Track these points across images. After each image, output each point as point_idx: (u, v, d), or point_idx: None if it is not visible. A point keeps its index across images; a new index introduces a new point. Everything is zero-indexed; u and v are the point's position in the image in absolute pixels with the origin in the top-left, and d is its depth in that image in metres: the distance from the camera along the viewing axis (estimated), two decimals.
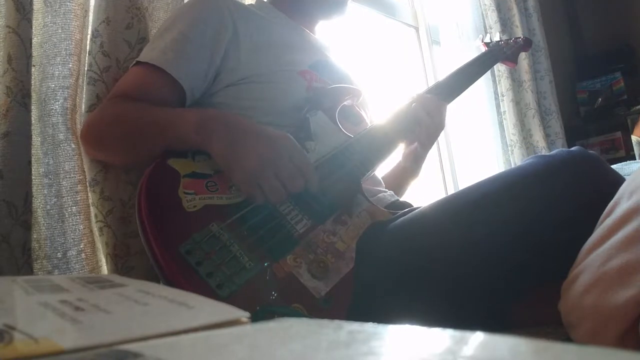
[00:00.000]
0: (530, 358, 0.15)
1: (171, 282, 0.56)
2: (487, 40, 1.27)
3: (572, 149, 0.68)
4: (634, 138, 2.51)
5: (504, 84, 2.00)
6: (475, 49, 1.32)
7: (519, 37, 1.28)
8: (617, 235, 0.53)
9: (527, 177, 0.66)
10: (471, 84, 1.07)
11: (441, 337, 0.17)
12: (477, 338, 0.16)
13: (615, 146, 2.61)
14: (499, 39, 1.26)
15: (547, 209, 0.63)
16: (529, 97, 2.06)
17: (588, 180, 0.63)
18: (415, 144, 0.93)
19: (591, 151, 0.67)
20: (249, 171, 0.63)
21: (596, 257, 0.54)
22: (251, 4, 0.97)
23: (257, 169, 0.63)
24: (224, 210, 0.64)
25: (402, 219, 0.72)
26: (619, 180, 0.64)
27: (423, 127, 0.90)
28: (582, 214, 0.61)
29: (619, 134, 2.61)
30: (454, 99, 1.01)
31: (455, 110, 1.82)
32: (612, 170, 0.66)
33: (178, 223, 0.60)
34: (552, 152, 0.69)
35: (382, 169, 1.03)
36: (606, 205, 0.58)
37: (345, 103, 0.86)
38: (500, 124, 2.00)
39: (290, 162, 0.65)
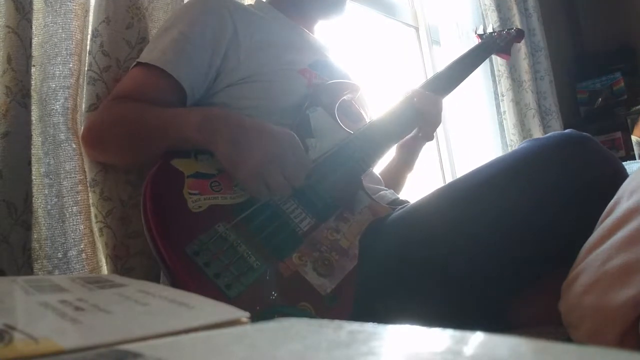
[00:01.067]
0: (530, 358, 0.15)
1: (179, 283, 0.56)
2: (481, 32, 1.27)
3: (565, 131, 0.68)
4: (634, 138, 2.51)
5: (504, 84, 2.00)
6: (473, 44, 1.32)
7: (512, 28, 1.28)
8: (617, 235, 0.53)
9: (523, 162, 0.66)
10: (466, 77, 1.07)
11: (441, 337, 0.17)
12: (477, 338, 0.16)
13: (615, 146, 2.61)
14: (492, 31, 1.26)
15: (544, 192, 0.63)
16: (529, 97, 2.06)
17: (582, 161, 0.63)
18: (414, 132, 0.95)
19: (584, 133, 0.67)
20: (254, 168, 0.63)
21: (596, 257, 0.54)
22: (250, 4, 0.97)
23: (262, 165, 0.63)
24: (229, 210, 0.64)
25: (400, 211, 0.72)
26: (611, 158, 0.64)
27: (428, 118, 0.92)
28: (578, 194, 0.61)
29: (619, 134, 2.60)
30: (449, 92, 1.02)
31: (456, 110, 1.82)
32: (605, 149, 0.66)
33: (184, 224, 0.60)
34: (545, 135, 0.69)
35: (378, 166, 1.04)
36: (600, 184, 0.58)
37: (344, 98, 0.86)
38: (500, 124, 2.00)
39: (293, 158, 0.66)
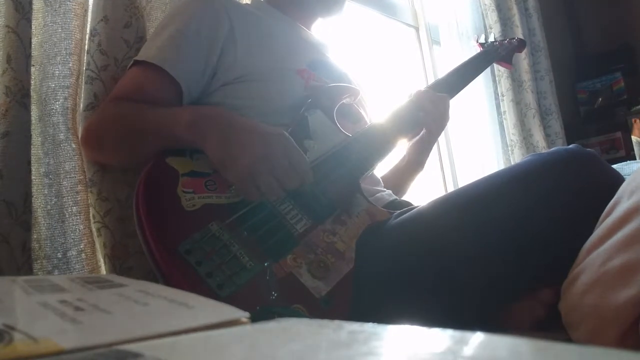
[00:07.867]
0: (530, 358, 0.15)
1: (170, 282, 0.56)
2: (482, 40, 1.27)
3: (570, 146, 0.68)
4: (634, 138, 2.51)
5: (504, 84, 2.00)
6: (474, 49, 1.32)
7: (514, 38, 1.28)
8: (617, 235, 0.53)
9: (526, 175, 0.66)
10: (467, 85, 1.06)
11: (441, 337, 0.17)
12: (477, 338, 0.16)
13: (615, 146, 2.61)
14: (493, 40, 1.26)
15: (545, 207, 0.63)
16: (529, 97, 2.06)
17: (586, 178, 0.63)
18: (422, 132, 0.94)
19: (588, 149, 0.67)
20: (243, 168, 0.62)
21: (596, 256, 0.54)
22: (247, 3, 0.97)
23: (251, 166, 0.62)
24: (224, 209, 0.63)
25: (401, 218, 0.72)
26: (616, 176, 0.64)
27: (429, 114, 0.91)
28: (580, 211, 0.61)
29: (619, 134, 2.61)
30: (450, 98, 1.01)
31: (456, 110, 1.82)
32: (609, 167, 0.66)
33: (177, 222, 0.60)
34: (549, 150, 0.69)
35: (384, 167, 1.03)
36: (604, 202, 0.58)
37: (343, 102, 0.86)
38: (500, 124, 2.00)
39: (284, 159, 0.65)
